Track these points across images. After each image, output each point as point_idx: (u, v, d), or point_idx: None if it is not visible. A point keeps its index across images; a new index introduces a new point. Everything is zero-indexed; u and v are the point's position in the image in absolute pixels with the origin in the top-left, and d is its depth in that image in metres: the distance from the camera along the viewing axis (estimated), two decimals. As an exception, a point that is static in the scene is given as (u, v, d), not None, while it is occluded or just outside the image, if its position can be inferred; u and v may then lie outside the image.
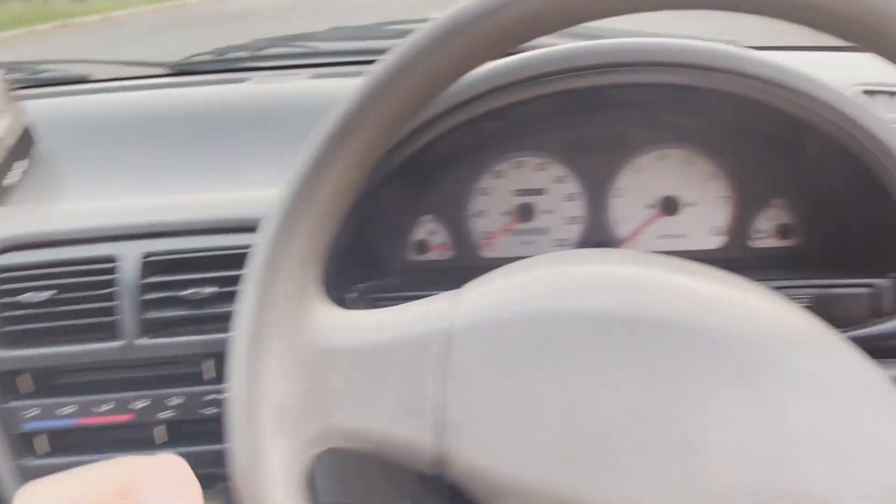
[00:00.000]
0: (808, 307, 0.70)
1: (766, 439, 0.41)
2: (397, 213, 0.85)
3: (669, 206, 0.86)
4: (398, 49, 0.42)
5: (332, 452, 0.68)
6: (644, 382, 0.42)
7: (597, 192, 0.87)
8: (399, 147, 0.69)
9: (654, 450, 0.41)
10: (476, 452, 0.43)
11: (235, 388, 0.45)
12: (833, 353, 0.44)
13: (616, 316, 0.44)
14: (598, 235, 0.87)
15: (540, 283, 0.47)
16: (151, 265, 0.80)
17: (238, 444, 0.44)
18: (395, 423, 0.45)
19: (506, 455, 0.43)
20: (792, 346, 0.43)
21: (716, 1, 0.40)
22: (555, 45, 0.70)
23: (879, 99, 0.94)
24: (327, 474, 0.88)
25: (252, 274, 0.45)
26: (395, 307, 0.49)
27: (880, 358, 0.58)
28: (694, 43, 0.69)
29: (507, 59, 0.68)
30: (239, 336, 0.45)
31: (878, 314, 0.69)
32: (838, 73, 0.95)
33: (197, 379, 0.81)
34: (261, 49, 1.20)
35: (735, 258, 0.86)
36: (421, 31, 0.42)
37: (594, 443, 0.42)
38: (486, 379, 0.44)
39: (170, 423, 0.83)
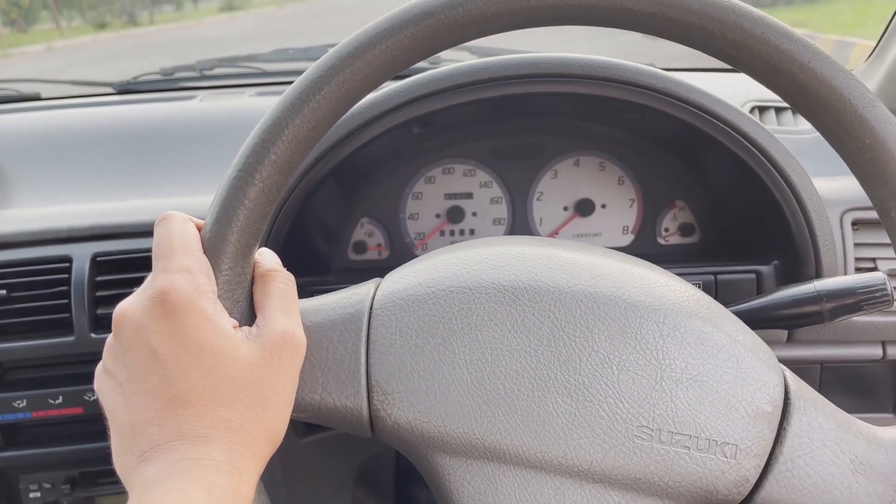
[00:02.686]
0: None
1: (645, 382, 0.48)
2: (336, 216, 0.92)
3: (584, 208, 0.95)
4: (312, 67, 0.48)
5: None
6: (542, 340, 0.49)
7: (519, 195, 0.95)
8: (332, 152, 0.76)
9: (552, 395, 0.48)
10: (403, 411, 0.49)
11: None
12: (702, 310, 0.51)
13: (518, 286, 0.51)
14: (521, 235, 0.95)
15: (452, 262, 0.53)
16: (102, 264, 0.85)
17: None
18: (330, 392, 0.50)
19: (429, 410, 0.49)
20: (669, 305, 0.51)
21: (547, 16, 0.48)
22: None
23: (768, 114, 1.05)
24: (271, 472, 0.92)
25: None
26: (323, 295, 0.55)
27: (753, 328, 0.67)
28: (605, 59, 0.78)
29: (431, 71, 0.76)
30: None
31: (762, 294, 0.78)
32: (734, 91, 1.06)
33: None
34: (206, 69, 1.26)
35: (645, 254, 0.95)
36: (332, 51, 0.48)
37: (501, 393, 0.49)
38: (406, 346, 0.50)
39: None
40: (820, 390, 0.90)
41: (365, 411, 0.50)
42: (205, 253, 0.48)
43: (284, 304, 0.49)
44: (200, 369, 0.44)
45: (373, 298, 0.52)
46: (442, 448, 0.50)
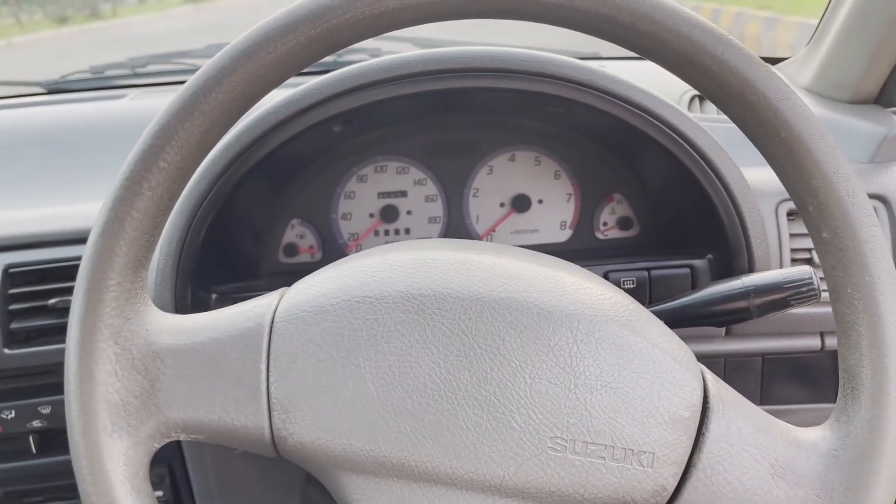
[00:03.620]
0: (632, 288, 0.77)
1: (559, 391, 0.47)
2: (264, 217, 0.89)
3: (521, 204, 0.93)
4: (203, 67, 0.45)
5: (175, 444, 0.69)
6: (451, 350, 0.47)
7: (454, 192, 0.93)
8: (250, 151, 0.73)
9: (462, 407, 0.47)
10: (307, 429, 0.47)
11: (70, 392, 0.46)
12: (619, 314, 0.50)
13: (426, 293, 0.49)
14: (457, 233, 0.93)
15: (358, 270, 0.51)
16: (15, 276, 0.81)
17: (76, 445, 0.46)
18: (229, 412, 0.48)
19: (333, 428, 0.47)
20: (583, 309, 0.49)
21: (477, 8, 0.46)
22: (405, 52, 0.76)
23: (708, 104, 1.03)
24: (218, 475, 0.90)
25: (79, 283, 0.47)
26: (224, 308, 0.52)
27: (682, 326, 0.66)
28: (525, 51, 0.75)
29: (348, 68, 0.73)
30: (70, 342, 0.47)
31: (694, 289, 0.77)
32: (675, 80, 1.04)
33: (67, 387, 0.82)
34: (139, 66, 1.22)
35: (584, 249, 0.93)
36: (225, 50, 0.45)
37: (409, 406, 0.47)
38: (309, 361, 0.48)
39: (41, 433, 0.84)
40: (762, 382, 0.89)
41: (266, 431, 0.48)
42: (90, 268, 0.46)
43: None
44: None
45: (275, 311, 0.50)
46: (348, 467, 0.47)
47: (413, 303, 0.48)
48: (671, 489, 0.47)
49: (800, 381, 0.92)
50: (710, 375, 0.51)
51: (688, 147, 0.76)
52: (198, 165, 0.48)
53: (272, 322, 0.49)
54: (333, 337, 0.48)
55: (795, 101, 0.46)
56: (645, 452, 0.46)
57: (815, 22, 1.06)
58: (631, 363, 0.47)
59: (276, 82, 0.47)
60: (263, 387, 0.48)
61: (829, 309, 0.82)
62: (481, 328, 0.48)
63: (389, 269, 0.50)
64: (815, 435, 0.49)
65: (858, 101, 0.97)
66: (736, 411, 0.49)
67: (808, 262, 0.82)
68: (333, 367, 0.47)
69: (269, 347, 0.48)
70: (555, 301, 0.49)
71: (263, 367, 0.48)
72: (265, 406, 0.47)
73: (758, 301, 0.64)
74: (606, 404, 0.46)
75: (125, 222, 0.45)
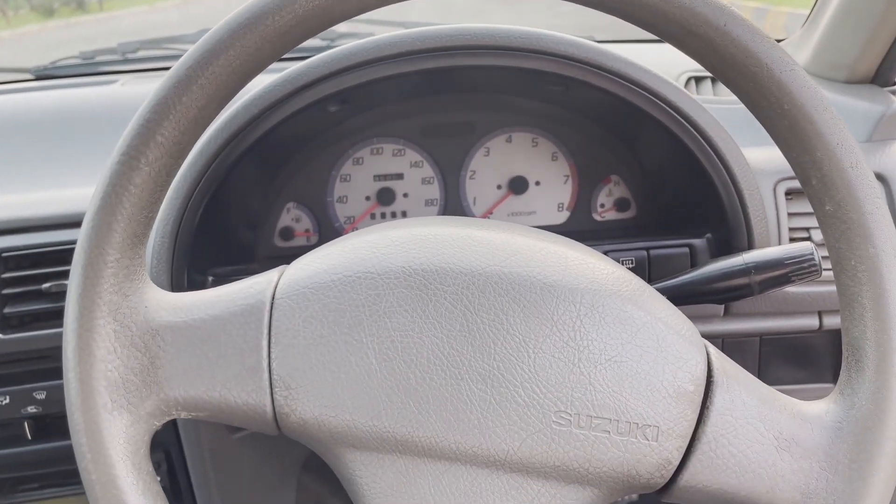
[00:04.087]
0: (631, 267, 0.77)
1: (563, 365, 0.46)
2: (259, 201, 0.88)
3: (518, 186, 0.92)
4: (200, 41, 0.45)
5: (173, 430, 0.68)
6: (454, 325, 0.47)
7: (451, 174, 0.92)
8: (245, 132, 0.72)
9: (465, 382, 0.46)
10: (310, 406, 0.47)
11: (68, 369, 0.46)
12: (622, 289, 0.49)
13: (428, 269, 0.48)
14: (454, 215, 0.92)
15: (360, 246, 0.50)
16: (8, 260, 0.80)
17: (76, 423, 0.45)
18: (230, 389, 0.47)
19: (336, 404, 0.46)
20: (587, 284, 0.48)
21: None
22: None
23: (704, 84, 1.03)
24: (215, 461, 0.89)
25: (77, 260, 0.46)
26: (224, 285, 0.51)
27: (682, 304, 0.65)
28: (525, 29, 0.75)
29: (345, 45, 0.73)
30: (68, 319, 0.46)
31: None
32: (670, 62, 1.04)
33: (62, 373, 0.81)
34: (129, 52, 1.21)
35: (581, 231, 0.93)
36: (222, 23, 0.44)
37: (412, 382, 0.46)
38: (311, 337, 0.47)
39: (36, 419, 0.83)
40: (760, 363, 0.89)
41: (268, 408, 0.47)
42: (87, 244, 0.45)
43: None
44: None
45: (275, 287, 0.49)
46: (351, 443, 0.47)
47: (415, 278, 0.48)
48: (676, 463, 0.47)
49: (797, 362, 0.92)
50: (713, 350, 0.50)
51: (687, 125, 0.76)
52: (195, 141, 0.47)
53: (273, 298, 0.48)
54: (335, 313, 0.47)
55: (799, 73, 0.46)
56: (649, 426, 0.46)
57: (802, 12, 1.05)
58: (635, 337, 0.47)
59: (275, 56, 0.46)
60: (265, 363, 0.47)
61: (828, 288, 0.83)
62: (484, 303, 0.47)
63: (391, 244, 0.50)
64: (820, 408, 0.49)
65: (855, 82, 0.97)
66: (740, 385, 0.49)
67: (807, 241, 0.82)
68: (335, 343, 0.47)
69: (270, 324, 0.48)
70: (558, 276, 0.48)
71: (265, 343, 0.47)
72: (267, 382, 0.47)
73: (759, 277, 0.64)
74: (610, 378, 0.46)
75: (123, 197, 0.44)
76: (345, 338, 0.47)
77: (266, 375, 0.47)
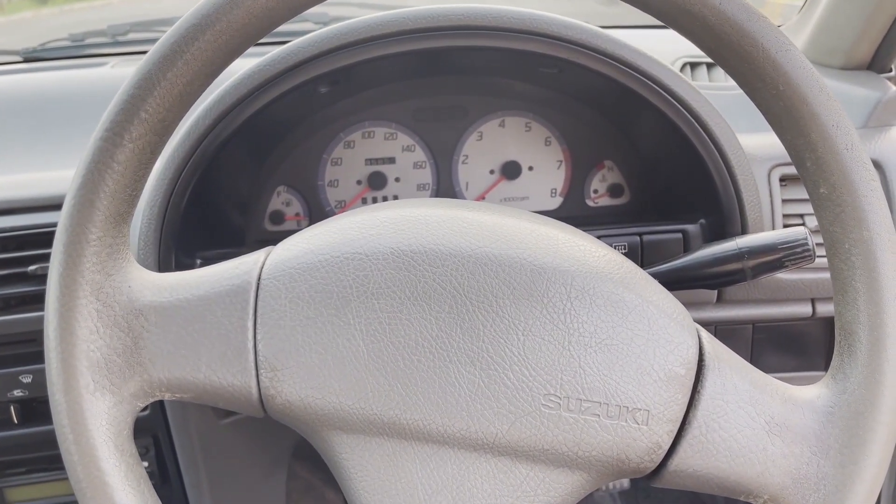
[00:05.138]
0: (624, 253, 0.77)
1: (553, 348, 0.46)
2: (249, 184, 0.87)
3: (511, 171, 0.92)
4: (186, 16, 0.43)
5: (161, 415, 0.67)
6: (443, 307, 0.46)
7: (443, 159, 0.91)
8: (232, 113, 0.71)
9: (454, 365, 0.45)
10: (296, 388, 0.46)
11: (50, 349, 0.45)
12: (613, 271, 0.49)
13: (417, 250, 0.47)
14: None
15: (348, 227, 0.50)
16: (-5, 242, 0.79)
17: (57, 404, 0.44)
18: (215, 370, 0.46)
19: (322, 386, 0.46)
20: (578, 266, 0.48)
21: None
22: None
23: (700, 70, 1.02)
24: (203, 447, 0.89)
25: (58, 237, 0.45)
26: (209, 266, 0.50)
27: (675, 289, 0.65)
28: (519, 9, 0.73)
29: (336, 25, 0.71)
30: (50, 298, 0.45)
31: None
32: (666, 48, 1.03)
33: (48, 356, 0.81)
34: (119, 35, 1.19)
35: (574, 216, 0.92)
36: (200, 4, 0.43)
37: (400, 364, 0.46)
38: (297, 318, 0.46)
39: (23, 403, 0.83)
40: (752, 350, 0.89)
41: (254, 389, 0.46)
42: (69, 222, 0.44)
43: None
44: None
45: (262, 267, 0.48)
46: (338, 426, 0.46)
47: (404, 259, 0.47)
48: (666, 447, 0.47)
49: (789, 349, 0.91)
50: (705, 334, 0.50)
51: (682, 109, 0.75)
52: (180, 118, 0.46)
53: (259, 279, 0.48)
54: (322, 294, 0.46)
55: (794, 54, 0.45)
56: (640, 410, 0.46)
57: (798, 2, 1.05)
58: (626, 320, 0.46)
59: (262, 33, 0.45)
60: (250, 344, 0.46)
61: (821, 275, 0.83)
62: (473, 285, 0.46)
63: (379, 225, 0.49)
64: (811, 393, 0.49)
65: (851, 68, 0.97)
66: (731, 369, 0.48)
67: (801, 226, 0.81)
68: (322, 325, 0.46)
69: (255, 304, 0.47)
70: (548, 258, 0.48)
71: (250, 324, 0.46)
72: (252, 364, 0.46)
73: (752, 262, 0.64)
74: (601, 361, 0.46)
75: (105, 174, 0.44)
76: (332, 319, 0.46)
77: (251, 357, 0.46)
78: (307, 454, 1.09)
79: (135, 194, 0.46)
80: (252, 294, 0.47)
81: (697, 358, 0.48)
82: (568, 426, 0.45)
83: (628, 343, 0.46)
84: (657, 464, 0.47)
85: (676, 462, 0.47)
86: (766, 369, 0.89)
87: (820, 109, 0.45)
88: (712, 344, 0.49)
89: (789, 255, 0.63)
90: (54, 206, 0.82)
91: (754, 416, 0.47)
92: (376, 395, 0.45)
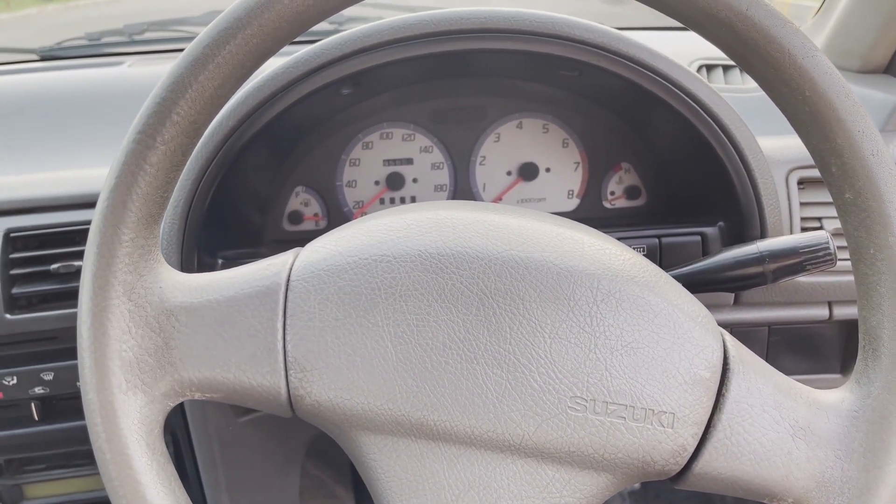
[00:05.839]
0: (643, 254, 0.77)
1: (579, 350, 0.46)
2: (268, 184, 0.88)
3: (528, 172, 0.92)
4: (218, 19, 0.44)
5: (180, 414, 0.67)
6: (470, 309, 0.46)
7: (461, 160, 0.92)
8: (256, 114, 0.71)
9: (481, 367, 0.46)
10: (325, 388, 0.46)
11: (83, 349, 0.45)
12: (639, 274, 0.49)
13: (445, 252, 0.48)
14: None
15: (376, 229, 0.50)
16: (16, 241, 0.80)
17: (90, 402, 0.45)
18: (245, 370, 0.47)
19: (351, 387, 0.46)
20: (603, 269, 0.48)
21: None
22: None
23: (716, 72, 1.02)
24: (221, 444, 0.89)
25: (92, 238, 0.45)
26: (238, 266, 0.51)
27: (695, 292, 0.65)
28: (541, 13, 0.74)
29: (359, 27, 0.72)
30: (83, 298, 0.46)
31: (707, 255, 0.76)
32: (683, 49, 1.03)
33: (70, 354, 0.81)
34: (136, 34, 1.20)
35: (591, 218, 0.93)
36: (240, 1, 0.44)
37: (428, 366, 0.46)
38: (326, 320, 0.47)
39: (43, 400, 0.83)
40: (768, 353, 0.89)
41: (283, 390, 0.47)
42: (103, 223, 0.44)
43: None
44: None
45: (290, 269, 0.49)
46: (366, 426, 0.47)
47: (431, 262, 0.47)
48: (691, 449, 0.47)
49: (804, 352, 0.91)
50: (729, 337, 0.50)
51: (703, 112, 0.75)
52: (211, 120, 0.46)
53: (288, 280, 0.48)
54: (351, 296, 0.47)
55: (821, 59, 0.45)
56: (665, 413, 0.46)
57: (806, 3, 1.05)
58: (651, 323, 0.47)
59: (292, 36, 0.45)
60: (280, 345, 0.47)
61: (838, 278, 0.83)
62: (500, 287, 0.47)
63: (407, 228, 0.49)
64: (835, 397, 0.49)
65: (868, 71, 0.97)
66: (756, 373, 0.48)
67: (821, 230, 0.81)
68: (351, 326, 0.46)
69: (285, 305, 0.47)
70: (574, 261, 0.48)
71: (280, 325, 0.47)
72: (282, 364, 0.47)
73: (773, 266, 0.64)
74: (627, 364, 0.46)
75: (138, 176, 0.44)
76: (360, 320, 0.46)
77: (281, 357, 0.47)
78: (320, 452, 1.10)
79: (166, 196, 0.46)
80: (281, 295, 0.47)
81: (722, 361, 0.48)
82: (594, 428, 0.46)
83: (654, 346, 0.46)
84: (682, 466, 0.48)
85: (701, 465, 0.47)
86: (781, 371, 0.89)
87: (846, 115, 0.45)
88: (736, 347, 0.49)
89: (811, 259, 0.63)
90: (75, 205, 0.82)
91: (779, 420, 0.47)
92: (404, 396, 0.46)
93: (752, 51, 0.46)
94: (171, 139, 0.44)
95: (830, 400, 0.49)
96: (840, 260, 0.65)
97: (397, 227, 0.50)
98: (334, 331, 0.46)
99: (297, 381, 0.47)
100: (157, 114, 0.44)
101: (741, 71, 1.03)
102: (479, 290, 0.47)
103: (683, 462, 0.47)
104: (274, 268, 0.49)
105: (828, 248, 0.63)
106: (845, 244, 0.74)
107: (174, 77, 0.44)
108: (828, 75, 0.45)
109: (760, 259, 0.64)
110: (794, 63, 0.45)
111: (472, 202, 0.54)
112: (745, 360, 0.49)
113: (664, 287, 0.49)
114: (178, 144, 0.45)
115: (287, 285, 0.48)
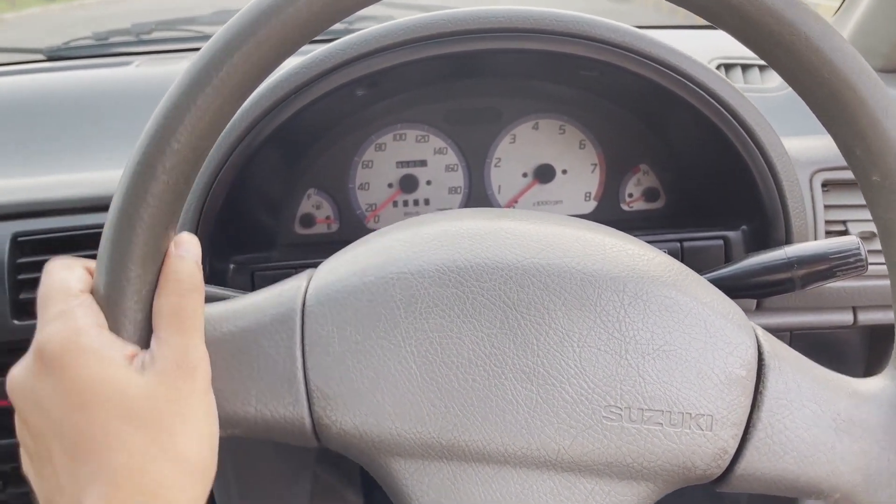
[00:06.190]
0: None
1: (610, 357, 0.45)
2: (280, 187, 0.86)
3: (545, 174, 0.90)
4: (216, 35, 0.41)
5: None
6: (494, 322, 0.45)
7: (475, 162, 0.90)
8: (268, 117, 0.70)
9: (510, 381, 0.44)
10: (350, 416, 0.45)
11: None
12: (665, 275, 0.47)
13: (464, 265, 0.46)
14: (478, 204, 0.90)
15: (390, 245, 0.49)
16: (23, 245, 0.79)
17: None
18: (266, 403, 0.45)
19: (377, 412, 0.45)
20: (629, 271, 0.47)
21: None
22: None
23: (734, 71, 1.00)
24: (231, 452, 0.88)
25: (98, 277, 0.43)
26: (251, 293, 0.49)
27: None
28: (561, 12, 0.72)
29: (374, 27, 0.70)
30: None
31: (730, 261, 0.75)
32: (699, 48, 1.01)
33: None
34: (143, 33, 1.19)
35: (609, 221, 0.91)
36: (239, 16, 0.41)
37: (455, 384, 0.44)
38: (346, 344, 0.45)
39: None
40: None
41: (307, 420, 0.45)
42: (108, 260, 0.42)
43: (177, 322, 0.43)
44: (88, 416, 0.39)
45: (305, 293, 0.47)
46: (395, 451, 0.45)
47: (450, 276, 0.46)
48: (732, 451, 0.46)
49: (827, 358, 0.89)
50: (761, 332, 0.49)
51: (725, 112, 0.73)
52: (214, 142, 0.43)
53: (303, 305, 0.46)
54: (369, 317, 0.45)
55: (838, 41, 0.43)
56: (703, 415, 0.45)
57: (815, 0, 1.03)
58: (682, 324, 0.45)
59: (298, 45, 0.43)
60: (300, 374, 0.45)
61: (863, 283, 0.81)
62: (524, 298, 0.45)
63: (422, 242, 0.48)
64: (876, 385, 0.48)
65: (890, 70, 0.95)
66: (793, 367, 0.47)
67: (844, 234, 0.80)
68: (372, 349, 0.45)
69: (302, 332, 0.46)
70: (598, 265, 0.46)
71: (299, 353, 0.45)
72: (304, 394, 0.45)
73: (801, 272, 0.62)
74: (660, 368, 0.45)
75: (141, 209, 0.41)
76: (381, 342, 0.45)
77: (302, 387, 0.45)
78: (330, 458, 1.08)
79: (169, 226, 0.43)
80: (298, 322, 0.46)
81: (757, 358, 0.47)
82: (631, 437, 0.44)
83: (686, 347, 0.45)
84: (724, 469, 0.46)
85: (744, 466, 0.46)
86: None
87: (868, 96, 0.43)
88: (770, 342, 0.48)
89: (841, 265, 0.61)
90: (84, 208, 0.81)
91: (820, 414, 0.46)
92: (432, 418, 0.44)
93: (766, 36, 0.43)
94: (172, 168, 0.41)
95: (872, 389, 0.48)
96: (871, 264, 0.63)
97: (413, 242, 0.48)
98: (355, 354, 0.45)
99: (320, 410, 0.45)
100: (155, 143, 0.41)
101: (760, 70, 1.01)
102: (502, 302, 0.45)
103: (725, 465, 0.46)
104: (288, 293, 0.47)
105: (859, 253, 0.61)
106: (875, 248, 0.72)
107: (172, 102, 0.41)
108: (847, 57, 0.43)
109: (789, 265, 0.62)
110: (810, 45, 0.43)
111: (487, 210, 0.53)
112: (780, 354, 0.48)
113: (692, 285, 0.48)
114: (180, 172, 0.42)
115: (303, 311, 0.46)
